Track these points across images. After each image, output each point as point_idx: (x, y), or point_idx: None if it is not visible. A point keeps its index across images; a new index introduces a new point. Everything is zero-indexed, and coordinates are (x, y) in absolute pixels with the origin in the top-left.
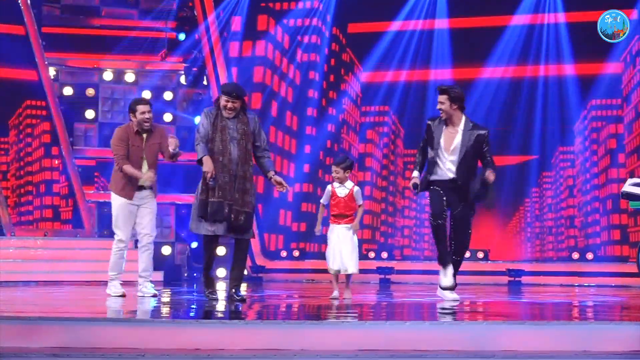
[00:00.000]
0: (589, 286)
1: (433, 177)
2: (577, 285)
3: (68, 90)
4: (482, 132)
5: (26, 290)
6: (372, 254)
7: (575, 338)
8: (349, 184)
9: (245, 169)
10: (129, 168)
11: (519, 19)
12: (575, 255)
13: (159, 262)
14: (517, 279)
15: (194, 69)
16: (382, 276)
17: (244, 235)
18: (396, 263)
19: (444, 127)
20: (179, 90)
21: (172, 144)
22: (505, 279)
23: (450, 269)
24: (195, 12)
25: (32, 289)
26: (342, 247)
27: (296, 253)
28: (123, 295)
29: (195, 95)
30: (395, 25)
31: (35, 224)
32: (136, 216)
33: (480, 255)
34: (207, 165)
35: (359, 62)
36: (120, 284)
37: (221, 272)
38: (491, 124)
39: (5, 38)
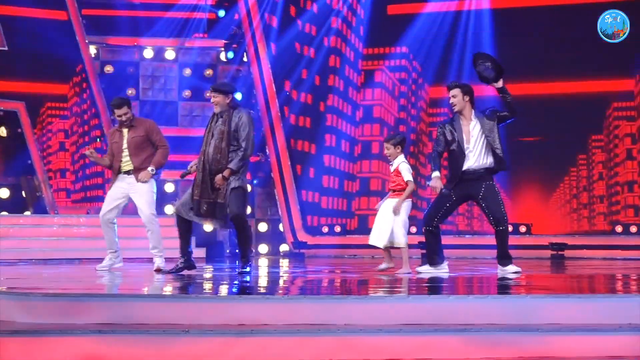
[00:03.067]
0: (633, 259)
1: (459, 173)
2: (621, 259)
3: (109, 69)
4: (487, 110)
5: (70, 268)
6: (413, 229)
7: (619, 311)
8: (399, 159)
9: (219, 168)
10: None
11: None
12: (619, 229)
13: (201, 239)
14: (559, 252)
15: (234, 45)
16: (424, 251)
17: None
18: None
19: (461, 123)
20: (219, 66)
21: (144, 176)
22: (548, 253)
23: (428, 267)
24: None
25: (75, 266)
26: (382, 223)
27: (337, 229)
28: (102, 269)
29: (236, 72)
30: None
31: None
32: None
33: (523, 229)
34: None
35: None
36: (113, 257)
37: (263, 248)
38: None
39: (47, 21)
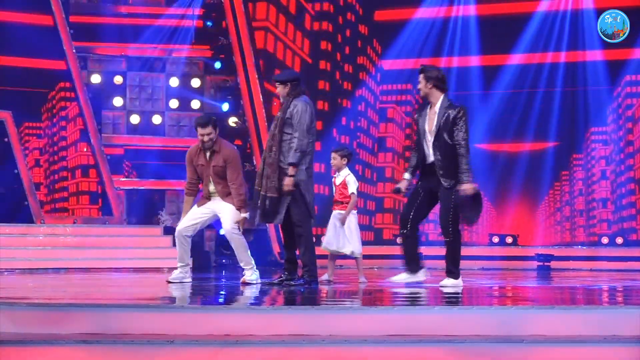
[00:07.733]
0: (618, 271)
1: (422, 163)
2: (607, 270)
3: (96, 78)
4: (453, 110)
5: (56, 277)
6: (400, 239)
7: (604, 322)
8: (345, 172)
9: (271, 155)
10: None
11: (544, 5)
12: (605, 240)
13: None
14: (546, 263)
15: (221, 55)
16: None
17: (272, 220)
18: (425, 249)
19: (428, 110)
20: (206, 77)
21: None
22: (534, 264)
23: (405, 275)
24: None
25: (61, 276)
26: (338, 231)
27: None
28: (173, 282)
29: (223, 82)
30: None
31: (65, 212)
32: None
33: (509, 240)
34: None
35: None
36: (182, 271)
37: None
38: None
39: (34, 28)
